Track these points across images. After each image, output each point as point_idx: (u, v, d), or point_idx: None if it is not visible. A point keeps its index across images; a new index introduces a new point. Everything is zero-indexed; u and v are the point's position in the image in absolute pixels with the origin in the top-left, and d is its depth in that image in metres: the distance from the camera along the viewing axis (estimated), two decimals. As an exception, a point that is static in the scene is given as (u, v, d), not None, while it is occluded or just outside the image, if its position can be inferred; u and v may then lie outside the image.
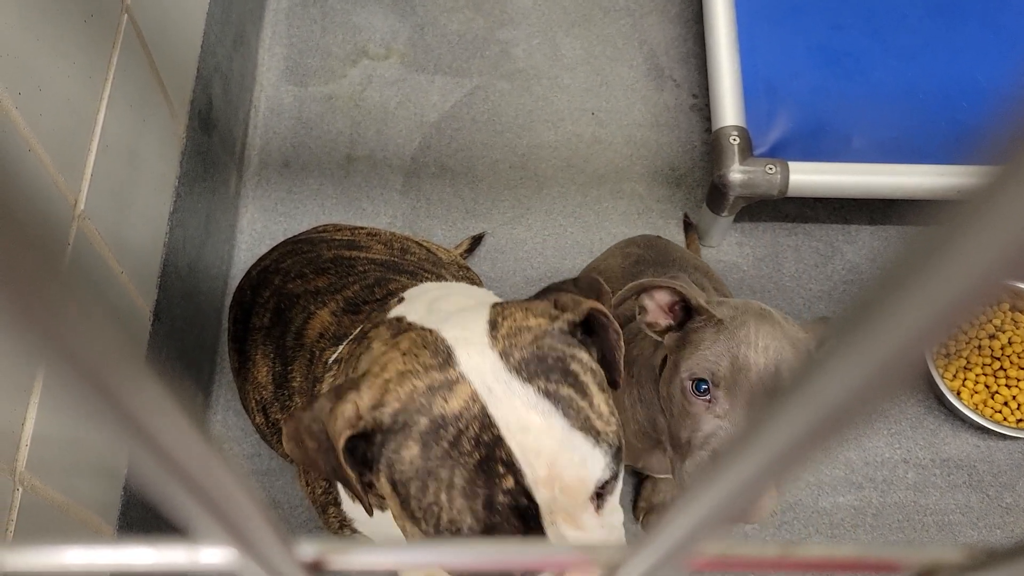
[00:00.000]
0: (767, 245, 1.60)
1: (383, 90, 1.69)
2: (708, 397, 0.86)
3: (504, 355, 0.69)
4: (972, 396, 1.43)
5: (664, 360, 0.97)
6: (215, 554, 0.21)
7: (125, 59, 1.06)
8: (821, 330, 0.92)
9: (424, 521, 0.67)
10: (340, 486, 0.86)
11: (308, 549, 0.22)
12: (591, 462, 0.68)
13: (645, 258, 1.24)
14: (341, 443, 0.67)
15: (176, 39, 1.26)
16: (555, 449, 0.67)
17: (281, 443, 0.98)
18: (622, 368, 0.78)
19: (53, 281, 0.12)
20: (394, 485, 0.68)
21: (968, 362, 1.45)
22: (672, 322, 0.95)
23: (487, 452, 0.66)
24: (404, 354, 0.71)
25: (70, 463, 0.93)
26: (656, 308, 0.95)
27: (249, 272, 1.16)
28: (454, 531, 0.66)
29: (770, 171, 1.41)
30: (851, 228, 1.61)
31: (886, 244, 1.60)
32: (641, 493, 1.38)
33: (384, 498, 0.72)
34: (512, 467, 0.65)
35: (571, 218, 1.60)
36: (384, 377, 0.69)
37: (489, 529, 0.65)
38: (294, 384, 0.93)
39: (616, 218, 1.61)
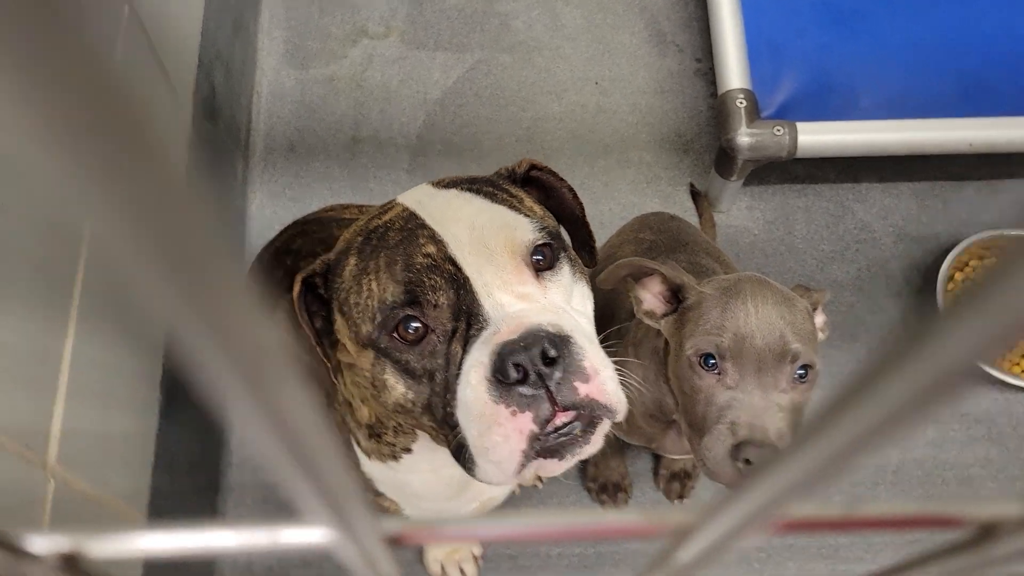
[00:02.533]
0: (777, 208, 1.59)
1: (384, 69, 1.68)
2: (717, 371, 0.86)
3: (436, 184, 0.75)
4: (988, 349, 1.43)
5: (666, 344, 0.97)
6: (311, 533, 0.22)
7: (128, 49, 1.05)
8: (814, 296, 0.93)
9: (364, 323, 0.69)
10: (356, 446, 0.87)
11: (391, 525, 0.22)
12: (517, 224, 0.69)
13: (658, 244, 1.24)
14: (296, 289, 0.71)
15: (176, 28, 1.25)
16: (474, 213, 0.69)
17: None
18: (593, 234, 0.81)
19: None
20: (341, 310, 0.71)
21: (983, 316, 1.45)
22: (667, 308, 0.96)
23: (409, 233, 0.69)
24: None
25: (99, 455, 0.94)
26: (651, 297, 0.96)
27: (260, 256, 1.16)
28: (384, 310, 0.67)
29: (778, 133, 1.40)
30: (861, 187, 1.61)
31: (897, 202, 1.59)
32: (661, 461, 1.39)
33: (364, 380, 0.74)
34: (434, 238, 0.68)
35: (579, 189, 1.57)
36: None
37: (411, 292, 0.66)
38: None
39: (624, 187, 1.61)
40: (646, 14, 1.74)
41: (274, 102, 1.63)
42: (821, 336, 0.94)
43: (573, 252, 0.76)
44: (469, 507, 0.93)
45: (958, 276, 1.49)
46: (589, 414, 0.65)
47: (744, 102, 1.42)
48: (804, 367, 0.86)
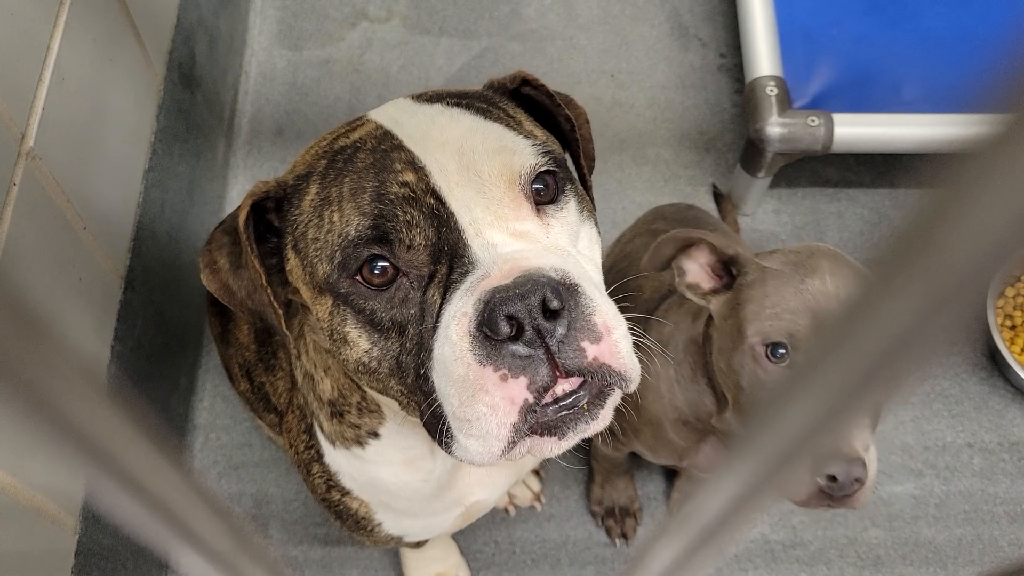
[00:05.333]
0: (807, 212, 1.45)
1: (384, 53, 1.56)
2: (787, 364, 0.72)
3: (416, 97, 0.62)
4: (1043, 371, 1.28)
5: (707, 327, 0.83)
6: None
7: (87, -13, 0.93)
8: None
9: (321, 263, 0.57)
10: (319, 431, 0.73)
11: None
12: (516, 147, 0.57)
13: None
14: (244, 213, 0.58)
15: (152, -20, 1.14)
16: (464, 134, 0.57)
17: (268, 411, 0.86)
18: (592, 151, 0.69)
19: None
20: (296, 247, 0.59)
21: (1037, 334, 1.30)
22: (717, 284, 0.82)
23: (382, 156, 0.56)
24: (318, 138, 0.63)
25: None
26: (697, 269, 0.82)
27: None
28: (346, 247, 0.55)
29: (812, 123, 1.27)
30: (899, 193, 1.47)
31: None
32: (675, 483, 1.23)
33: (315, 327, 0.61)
34: (413, 164, 0.55)
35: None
36: (294, 161, 0.63)
37: (379, 227, 0.54)
38: (276, 338, 0.80)
39: (640, 185, 1.47)
40: (667, 6, 1.63)
41: (263, 83, 1.51)
42: None
43: (580, 186, 0.62)
44: (452, 513, 0.78)
45: (1009, 292, 1.34)
46: (598, 382, 0.51)
47: (775, 90, 1.29)
48: None
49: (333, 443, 0.72)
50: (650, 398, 0.91)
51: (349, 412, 0.69)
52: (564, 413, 0.52)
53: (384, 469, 0.71)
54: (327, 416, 0.71)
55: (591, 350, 0.51)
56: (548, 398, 0.51)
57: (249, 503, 1.22)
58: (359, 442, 0.70)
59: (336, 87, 1.52)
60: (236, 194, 1.41)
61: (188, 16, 1.24)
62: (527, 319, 0.49)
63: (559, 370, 0.50)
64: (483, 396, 0.50)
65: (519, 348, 0.50)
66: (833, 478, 0.67)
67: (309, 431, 0.75)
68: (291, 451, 0.79)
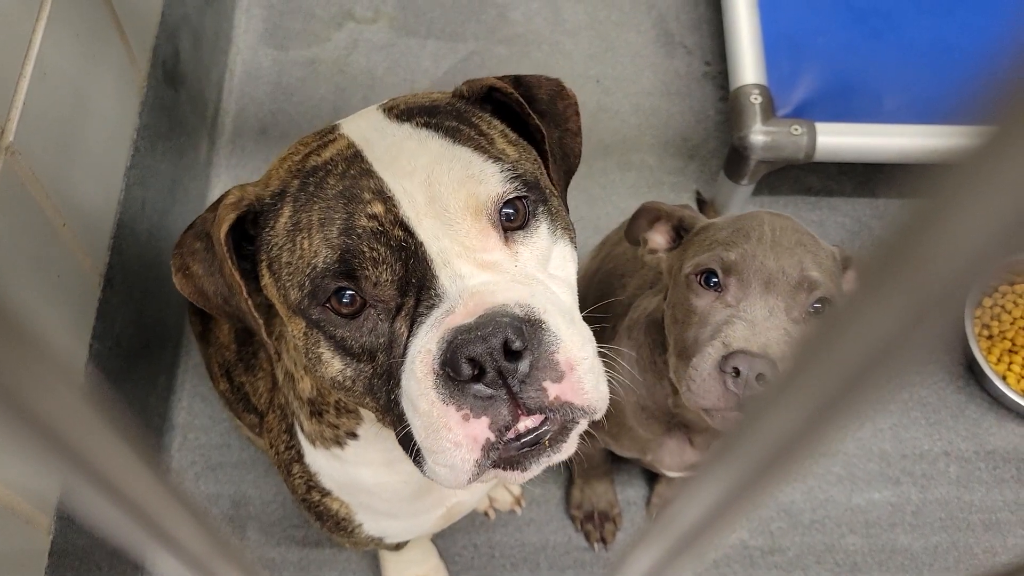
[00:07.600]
0: (789, 220, 1.46)
1: (370, 55, 1.56)
2: (718, 289, 0.74)
3: (388, 111, 0.62)
4: (1019, 381, 1.30)
5: (666, 295, 0.86)
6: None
7: (70, -19, 0.93)
8: (845, 252, 0.80)
9: (293, 288, 0.57)
10: (299, 431, 0.73)
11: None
12: (483, 174, 0.57)
13: None
14: (224, 228, 0.58)
15: (136, -23, 1.13)
16: (431, 162, 0.56)
17: (248, 411, 0.85)
18: (579, 144, 0.70)
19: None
20: (271, 267, 0.59)
21: (1014, 344, 1.32)
22: (672, 245, 0.86)
23: (351, 183, 0.56)
24: (291, 147, 0.63)
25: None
26: (659, 238, 0.87)
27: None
28: (315, 278, 0.55)
29: (795, 132, 1.28)
30: (880, 203, 1.48)
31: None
32: (656, 488, 1.24)
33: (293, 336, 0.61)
34: (382, 193, 0.55)
35: (575, 191, 1.47)
36: (268, 170, 0.63)
37: (346, 261, 0.54)
38: (257, 338, 0.80)
39: (624, 191, 1.48)
40: (654, 13, 1.63)
41: (248, 82, 1.51)
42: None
43: (556, 202, 0.62)
44: (433, 514, 0.78)
45: (987, 302, 1.36)
46: (560, 419, 0.52)
47: (759, 98, 1.30)
48: (822, 300, 0.72)
49: (313, 443, 0.72)
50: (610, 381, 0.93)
51: (328, 411, 0.69)
52: (526, 449, 0.53)
53: (364, 470, 0.71)
54: (307, 415, 0.71)
55: (553, 389, 0.51)
56: (511, 435, 0.52)
57: (227, 504, 1.21)
58: (338, 442, 0.70)
59: (321, 87, 1.52)
60: (218, 193, 1.40)
61: (173, 13, 1.24)
62: (488, 361, 0.50)
63: (521, 409, 0.51)
64: (446, 433, 0.51)
65: (481, 388, 0.51)
66: (737, 372, 0.67)
67: (290, 431, 0.75)
68: (272, 451, 0.79)
